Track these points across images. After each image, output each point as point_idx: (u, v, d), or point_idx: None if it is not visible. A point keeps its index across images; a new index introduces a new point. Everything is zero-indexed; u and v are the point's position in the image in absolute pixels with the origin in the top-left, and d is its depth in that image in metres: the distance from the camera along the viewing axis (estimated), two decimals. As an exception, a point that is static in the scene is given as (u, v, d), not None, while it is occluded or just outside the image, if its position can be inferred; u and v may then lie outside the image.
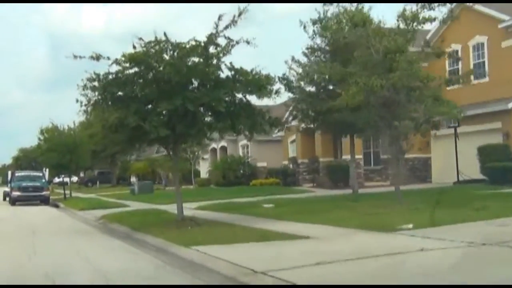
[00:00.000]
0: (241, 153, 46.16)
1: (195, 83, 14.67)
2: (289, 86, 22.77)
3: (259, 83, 14.10)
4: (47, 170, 40.65)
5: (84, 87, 14.70)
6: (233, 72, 14.43)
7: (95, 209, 26.34)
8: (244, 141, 45.90)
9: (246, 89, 14.35)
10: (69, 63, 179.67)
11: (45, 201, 36.64)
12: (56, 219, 23.27)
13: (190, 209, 21.71)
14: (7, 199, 43.32)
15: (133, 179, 72.15)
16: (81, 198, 38.67)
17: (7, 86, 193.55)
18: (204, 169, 55.23)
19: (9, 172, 42.11)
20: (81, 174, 70.94)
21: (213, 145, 49.96)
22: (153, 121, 13.67)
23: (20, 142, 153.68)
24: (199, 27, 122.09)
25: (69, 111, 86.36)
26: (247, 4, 13.99)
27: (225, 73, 14.61)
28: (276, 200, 23.50)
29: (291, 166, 38.37)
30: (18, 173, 39.65)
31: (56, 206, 34.48)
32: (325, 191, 29.53)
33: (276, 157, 41.61)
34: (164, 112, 13.95)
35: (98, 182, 68.69)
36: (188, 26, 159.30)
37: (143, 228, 15.28)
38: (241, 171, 42.31)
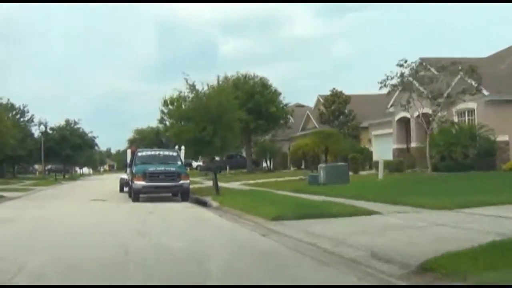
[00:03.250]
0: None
1: None
2: None
3: None
4: (183, 148, 27.28)
5: None
6: None
7: (306, 218, 12.46)
8: (464, 105, 30.23)
9: None
10: (176, 53, 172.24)
11: (183, 194, 23.32)
12: (272, 259, 8.85)
13: None
14: (125, 189, 30.64)
15: (264, 164, 58.56)
16: (236, 191, 25.08)
17: (118, 76, 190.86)
18: (378, 149, 40.18)
19: (128, 152, 29.04)
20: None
21: (402, 113, 34.84)
22: None
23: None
24: None
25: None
26: None
27: None
28: None
29: None
30: (142, 152, 26.28)
31: (203, 204, 21.06)
32: None
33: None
34: None
35: (227, 168, 55.65)
36: None
37: None
38: (474, 149, 26.87)
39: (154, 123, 68.93)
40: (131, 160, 25.63)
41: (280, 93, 48.67)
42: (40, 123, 61.47)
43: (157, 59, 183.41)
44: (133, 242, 10.40)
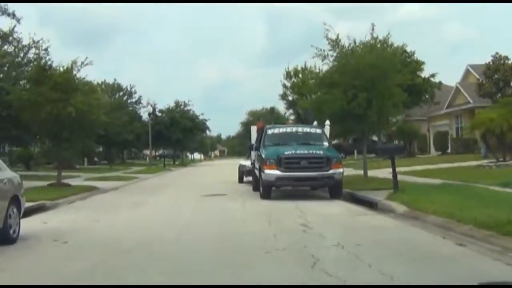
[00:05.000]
0: None
1: None
2: None
3: None
4: (327, 124, 19.72)
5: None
6: None
7: None
8: None
9: None
10: (285, 39, 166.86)
11: (334, 189, 15.94)
12: None
13: None
14: (245, 179, 23.96)
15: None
16: (410, 184, 17.44)
17: (231, 63, 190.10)
18: None
19: (253, 129, 21.88)
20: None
21: None
22: None
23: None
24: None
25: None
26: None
27: None
28: None
29: None
30: (273, 129, 18.68)
31: (367, 204, 13.70)
32: None
33: None
34: None
35: (355, 152, 47.71)
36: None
37: None
38: None
39: (269, 103, 62.57)
40: (258, 140, 18.53)
41: (423, 62, 39.83)
42: (148, 104, 56.92)
43: (267, 46, 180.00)
44: None
